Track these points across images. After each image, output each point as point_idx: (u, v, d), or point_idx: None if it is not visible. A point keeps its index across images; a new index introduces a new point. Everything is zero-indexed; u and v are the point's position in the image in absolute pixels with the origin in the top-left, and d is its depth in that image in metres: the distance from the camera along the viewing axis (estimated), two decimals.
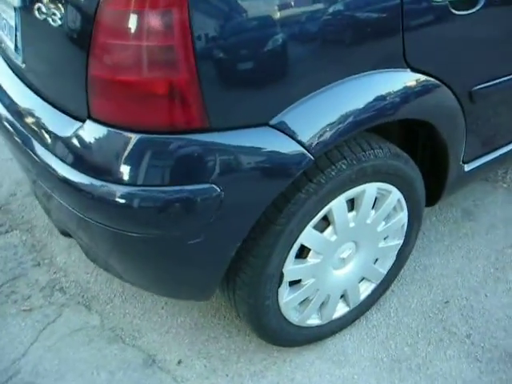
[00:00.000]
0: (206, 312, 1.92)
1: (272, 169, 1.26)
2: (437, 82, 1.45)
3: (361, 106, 1.30)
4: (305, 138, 1.26)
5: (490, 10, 1.43)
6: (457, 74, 1.49)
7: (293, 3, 1.14)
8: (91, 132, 1.23)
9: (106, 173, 1.21)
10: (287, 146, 1.25)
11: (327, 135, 1.28)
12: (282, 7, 1.14)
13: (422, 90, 1.43)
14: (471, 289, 1.95)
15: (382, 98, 1.32)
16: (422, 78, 1.41)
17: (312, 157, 1.28)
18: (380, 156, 1.48)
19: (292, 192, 1.37)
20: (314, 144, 1.27)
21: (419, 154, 1.74)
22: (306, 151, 1.26)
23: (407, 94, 1.39)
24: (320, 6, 1.18)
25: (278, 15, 1.13)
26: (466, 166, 1.80)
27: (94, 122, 1.22)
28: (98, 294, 2.00)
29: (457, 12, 1.38)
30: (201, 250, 1.32)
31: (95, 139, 1.23)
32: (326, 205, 1.44)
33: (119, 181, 1.20)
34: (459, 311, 1.88)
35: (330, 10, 1.18)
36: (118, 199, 1.20)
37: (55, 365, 1.77)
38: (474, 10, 1.41)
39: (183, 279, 1.47)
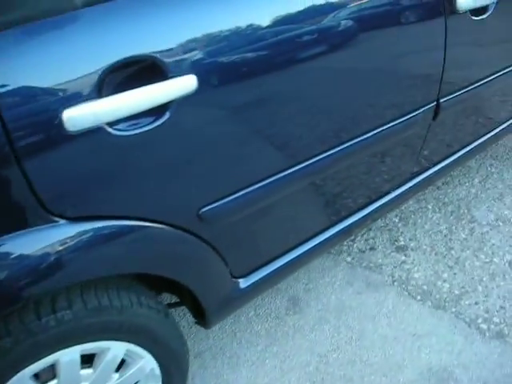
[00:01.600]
0: None
1: None
2: (130, 223, 1.06)
3: None
4: None
5: (180, 123, 1.03)
6: (162, 203, 1.09)
7: None
8: None
9: None
10: None
11: None
12: None
13: (97, 242, 1.02)
14: None
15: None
16: (99, 224, 1.01)
17: None
18: (68, 319, 1.09)
19: None
20: None
21: None
22: None
23: (60, 258, 0.98)
24: None
25: None
26: (241, 281, 1.42)
27: None
28: None
29: (122, 133, 0.97)
30: None
31: None
32: None
33: None
34: None
35: None
36: None
37: None
38: (153, 125, 1.00)
39: None
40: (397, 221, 2.22)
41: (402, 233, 2.16)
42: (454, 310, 1.85)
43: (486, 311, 1.84)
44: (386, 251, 2.07)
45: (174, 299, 1.55)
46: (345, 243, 2.09)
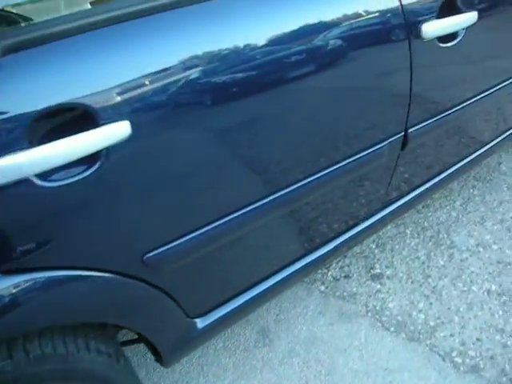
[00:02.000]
0: None
1: None
2: (68, 273, 1.02)
3: None
4: None
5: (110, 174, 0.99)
6: (101, 251, 1.05)
7: None
8: None
9: None
10: None
11: None
12: None
13: (33, 293, 0.99)
14: None
15: None
16: (34, 276, 0.98)
17: None
18: (8, 369, 1.05)
19: None
20: None
21: None
22: None
23: None
24: None
25: None
26: (198, 320, 1.37)
27: None
28: None
29: (52, 184, 0.93)
30: None
31: None
32: None
33: None
34: None
35: None
36: None
37: None
38: (85, 174, 0.96)
39: None
40: (374, 247, 2.17)
41: (378, 260, 2.11)
42: (428, 342, 1.80)
43: (462, 344, 1.79)
44: (361, 279, 2.02)
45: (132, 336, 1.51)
46: (319, 271, 2.04)
